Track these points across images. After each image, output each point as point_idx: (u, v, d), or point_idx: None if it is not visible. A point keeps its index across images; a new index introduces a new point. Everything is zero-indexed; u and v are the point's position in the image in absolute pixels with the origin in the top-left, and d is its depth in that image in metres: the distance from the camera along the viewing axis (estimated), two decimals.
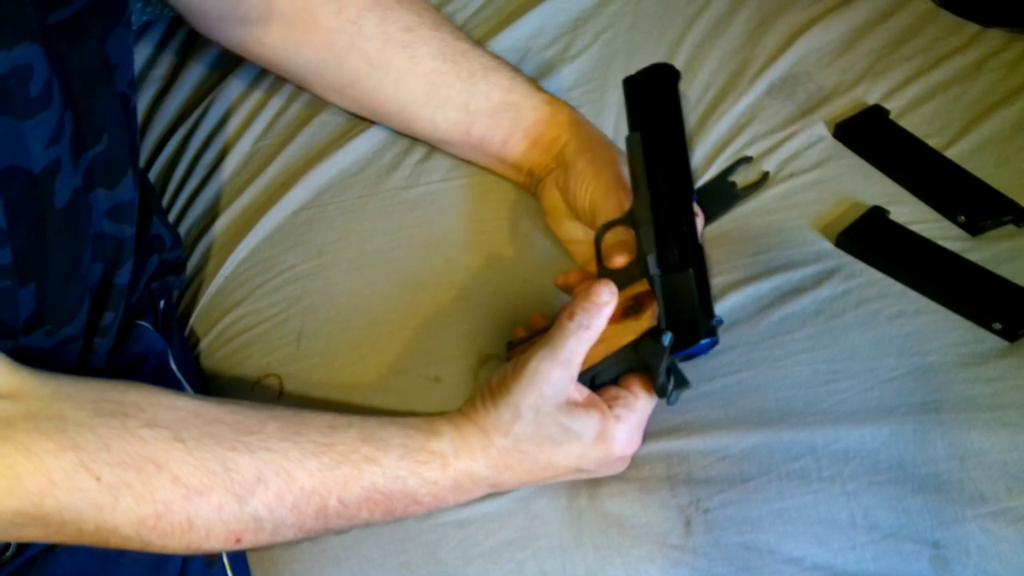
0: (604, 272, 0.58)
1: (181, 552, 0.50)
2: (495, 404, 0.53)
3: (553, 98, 0.70)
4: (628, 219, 0.59)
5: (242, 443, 0.50)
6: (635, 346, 0.55)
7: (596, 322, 0.54)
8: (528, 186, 0.71)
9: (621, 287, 0.56)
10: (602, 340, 0.55)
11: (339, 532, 0.54)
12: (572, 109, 0.69)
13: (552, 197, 0.68)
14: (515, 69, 0.71)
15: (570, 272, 0.62)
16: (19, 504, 0.47)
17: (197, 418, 0.50)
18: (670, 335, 0.52)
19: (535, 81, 0.71)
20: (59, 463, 0.46)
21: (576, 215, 0.66)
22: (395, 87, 0.70)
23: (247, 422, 0.51)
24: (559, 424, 0.53)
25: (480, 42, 0.81)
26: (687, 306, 0.53)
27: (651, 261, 0.55)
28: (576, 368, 0.53)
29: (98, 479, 0.47)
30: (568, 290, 0.62)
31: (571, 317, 0.54)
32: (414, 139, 0.75)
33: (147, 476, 0.48)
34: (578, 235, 0.67)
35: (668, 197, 0.57)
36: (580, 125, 0.68)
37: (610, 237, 0.60)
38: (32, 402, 0.47)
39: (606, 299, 0.54)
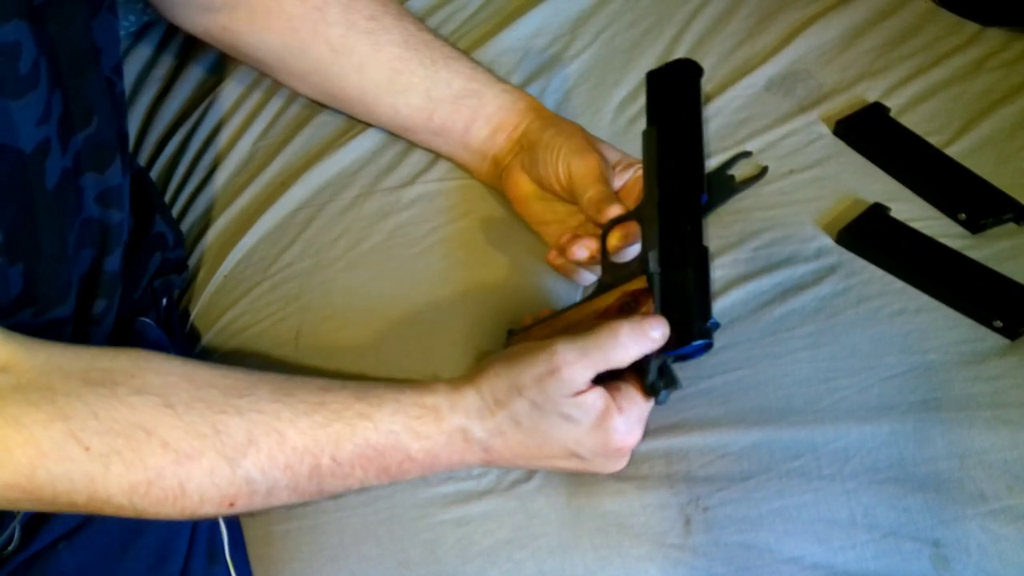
0: (608, 266, 0.58)
1: (176, 518, 0.50)
2: (498, 374, 0.52)
3: (513, 87, 0.70)
4: (635, 215, 0.59)
5: (232, 406, 0.49)
6: None
7: (635, 351, 0.52)
8: (492, 177, 0.71)
9: (621, 282, 0.56)
10: None
11: (334, 496, 0.53)
12: (532, 97, 0.70)
13: (519, 182, 0.68)
14: (476, 61, 0.72)
15: (562, 237, 0.62)
16: (10, 477, 0.46)
17: (188, 383, 0.50)
18: None
19: (495, 73, 0.72)
20: (48, 434, 0.46)
21: (550, 188, 0.65)
22: (357, 73, 0.70)
23: (238, 385, 0.51)
24: (559, 411, 0.52)
25: (480, 42, 0.81)
26: (682, 306, 0.53)
27: (651, 258, 0.55)
28: (591, 375, 0.51)
29: (87, 448, 0.47)
30: (562, 261, 0.63)
31: (616, 333, 0.51)
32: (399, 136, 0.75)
33: (136, 443, 0.47)
34: (547, 216, 0.67)
35: (676, 195, 0.56)
36: (540, 110, 0.69)
37: (616, 233, 0.59)
38: (22, 373, 0.47)
39: (656, 337, 0.52)
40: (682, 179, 0.56)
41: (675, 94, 0.60)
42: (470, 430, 0.52)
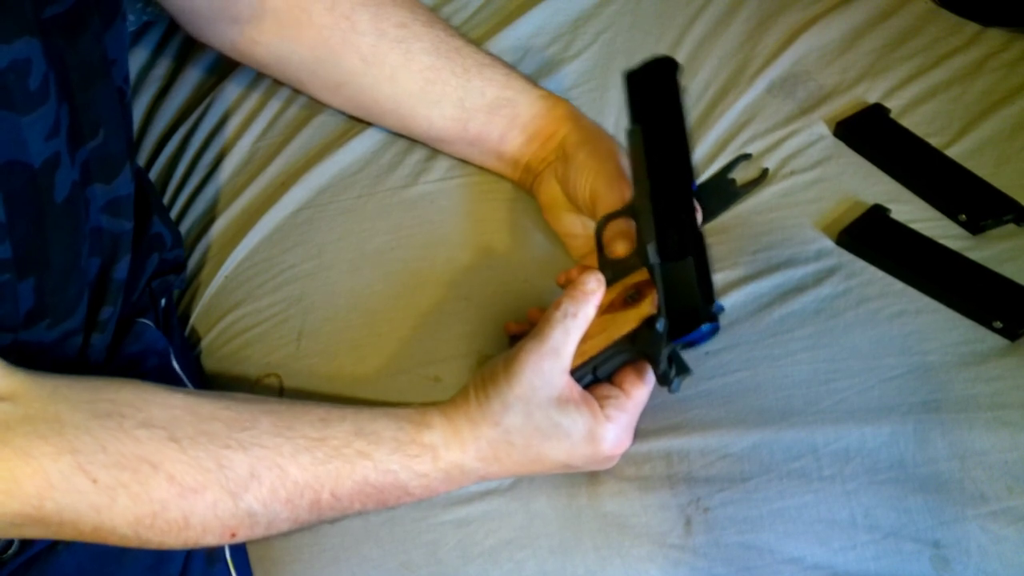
0: (605, 263, 0.58)
1: (179, 547, 0.51)
2: (486, 395, 0.53)
3: (549, 93, 0.69)
4: (629, 211, 0.59)
5: (235, 440, 0.50)
6: (634, 335, 0.55)
7: (583, 310, 0.54)
8: (524, 182, 0.71)
9: (621, 277, 0.56)
10: (602, 330, 0.55)
11: (333, 522, 0.54)
12: (569, 104, 0.69)
13: (551, 190, 0.68)
14: (510, 66, 0.71)
15: (571, 270, 0.62)
16: (19, 507, 0.47)
17: (191, 415, 0.50)
18: (664, 321, 0.53)
19: (530, 78, 0.71)
20: (57, 466, 0.47)
21: (576, 206, 0.65)
22: (390, 84, 0.70)
23: (240, 418, 0.51)
24: (549, 418, 0.53)
25: (480, 41, 0.81)
26: (687, 293, 0.53)
27: (651, 250, 0.55)
28: (566, 359, 0.53)
29: (95, 481, 0.47)
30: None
31: (558, 307, 0.54)
32: (413, 139, 0.75)
33: (143, 476, 0.48)
34: (575, 229, 0.67)
35: (667, 186, 0.57)
36: (578, 119, 0.68)
37: (611, 228, 0.59)
38: (30, 404, 0.48)
39: (592, 287, 0.54)
40: (671, 170, 0.57)
41: (655, 90, 0.60)
42: (466, 464, 0.54)
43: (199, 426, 0.50)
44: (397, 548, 0.59)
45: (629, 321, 0.55)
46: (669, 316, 0.53)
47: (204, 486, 0.49)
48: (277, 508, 0.51)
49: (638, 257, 0.57)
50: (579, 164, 0.64)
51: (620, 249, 0.58)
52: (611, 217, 0.60)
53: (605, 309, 0.56)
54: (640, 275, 0.56)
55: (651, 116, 0.59)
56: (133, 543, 0.50)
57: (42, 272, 0.51)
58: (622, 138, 0.69)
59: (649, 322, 0.54)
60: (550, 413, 0.53)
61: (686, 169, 0.57)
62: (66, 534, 0.49)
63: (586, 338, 0.55)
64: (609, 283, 0.56)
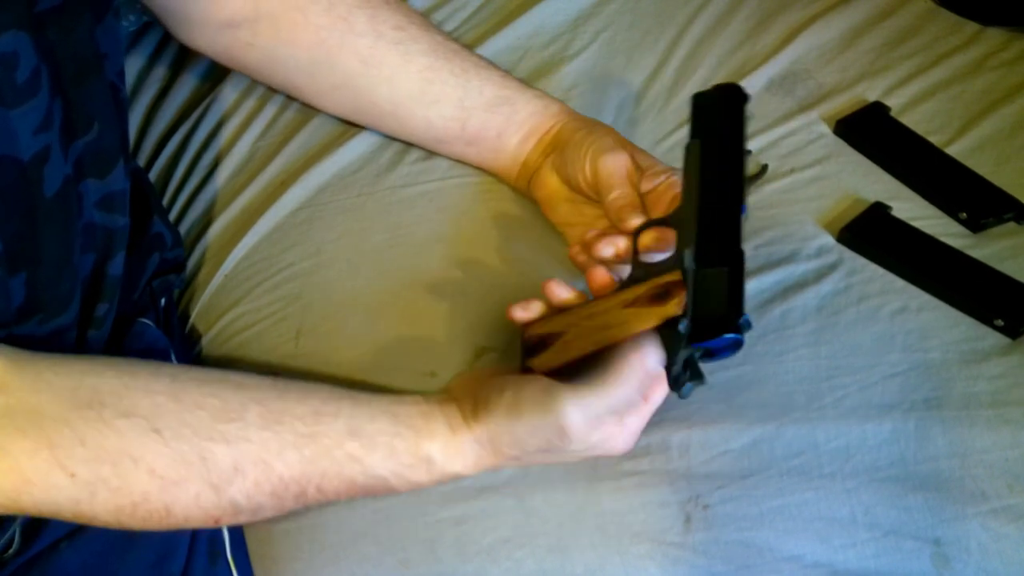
0: (639, 266, 0.57)
1: (161, 531, 0.50)
2: (499, 425, 0.51)
3: (544, 93, 0.70)
4: (672, 220, 0.58)
5: (219, 433, 0.49)
6: (656, 333, 0.54)
7: (635, 382, 0.52)
8: (521, 179, 0.71)
9: (654, 276, 0.55)
10: (623, 321, 0.54)
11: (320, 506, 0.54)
12: (563, 103, 0.70)
13: (548, 182, 0.68)
14: (503, 69, 0.71)
15: (589, 233, 0.60)
16: None
17: (175, 403, 0.49)
18: (687, 323, 0.51)
19: (524, 80, 0.71)
20: (33, 463, 0.46)
21: (577, 187, 0.65)
22: (388, 85, 0.70)
23: (226, 408, 0.50)
24: (568, 451, 0.52)
25: (479, 41, 0.81)
26: (715, 299, 0.51)
27: (687, 255, 0.54)
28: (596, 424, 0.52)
29: (73, 476, 0.47)
30: (584, 258, 0.60)
31: (617, 379, 0.51)
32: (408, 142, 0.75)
33: (123, 470, 0.47)
34: (573, 219, 0.67)
35: (716, 202, 0.55)
36: (573, 113, 0.69)
37: (648, 235, 0.58)
38: (11, 393, 0.47)
39: (651, 362, 0.52)
40: (723, 189, 0.56)
41: (720, 114, 0.59)
42: (463, 473, 0.53)
43: (183, 416, 0.49)
44: (395, 546, 0.59)
45: (652, 318, 0.54)
46: (693, 319, 0.51)
47: (186, 479, 0.48)
48: (262, 500, 0.50)
49: (672, 261, 0.55)
50: (577, 143, 0.64)
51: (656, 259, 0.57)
52: (650, 224, 0.58)
53: (631, 303, 0.55)
54: (672, 275, 0.55)
55: (711, 135, 0.58)
56: (115, 527, 0.49)
57: (34, 267, 0.51)
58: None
59: (672, 323, 0.53)
60: (568, 448, 0.52)
61: (738, 192, 0.56)
62: (46, 516, 0.49)
63: (604, 327, 0.54)
64: (640, 280, 0.55)
